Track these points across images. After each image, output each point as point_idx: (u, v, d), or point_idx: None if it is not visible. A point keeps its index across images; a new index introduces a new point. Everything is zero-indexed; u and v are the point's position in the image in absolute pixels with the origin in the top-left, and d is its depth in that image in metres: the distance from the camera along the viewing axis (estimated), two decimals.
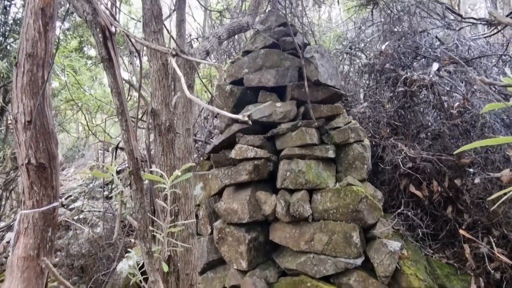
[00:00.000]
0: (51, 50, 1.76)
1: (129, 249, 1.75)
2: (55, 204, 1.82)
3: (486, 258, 3.31)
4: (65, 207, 9.11)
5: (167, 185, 1.49)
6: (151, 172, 1.60)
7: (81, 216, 7.87)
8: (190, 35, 5.72)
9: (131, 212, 1.44)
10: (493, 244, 3.41)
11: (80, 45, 5.95)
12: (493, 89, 3.97)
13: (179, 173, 1.47)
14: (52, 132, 1.85)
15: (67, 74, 4.88)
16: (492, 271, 3.29)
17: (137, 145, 1.38)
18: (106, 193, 9.21)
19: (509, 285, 3.24)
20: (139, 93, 1.88)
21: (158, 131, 2.08)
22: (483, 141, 1.06)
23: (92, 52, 6.88)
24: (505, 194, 1.12)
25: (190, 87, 2.47)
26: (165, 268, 1.52)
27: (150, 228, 1.54)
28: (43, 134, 1.81)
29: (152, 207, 1.68)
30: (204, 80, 6.21)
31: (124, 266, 4.56)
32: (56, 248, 6.64)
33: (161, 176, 1.51)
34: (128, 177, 1.37)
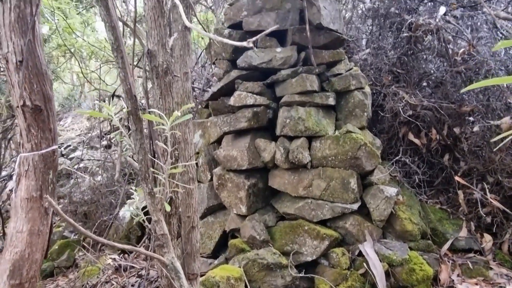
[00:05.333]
0: None
1: (131, 196, 1.76)
2: (54, 147, 1.80)
3: (479, 203, 3.40)
4: (65, 156, 9.17)
5: (167, 126, 1.47)
6: (149, 113, 1.56)
7: (81, 165, 7.95)
8: None
9: (131, 154, 1.42)
10: (487, 190, 3.49)
11: None
12: (506, 26, 3.84)
13: (179, 114, 1.43)
14: (46, 73, 1.78)
15: (57, 19, 4.64)
16: (484, 216, 3.40)
17: (134, 83, 1.33)
18: (104, 142, 9.24)
19: (499, 228, 3.37)
20: (134, 32, 1.78)
21: (155, 73, 2.01)
22: (488, 81, 1.02)
23: None
24: (504, 138, 1.10)
25: (187, 28, 2.36)
26: (167, 208, 1.54)
27: (152, 169, 1.54)
28: (36, 75, 1.74)
29: (152, 150, 1.67)
30: (200, 27, 5.95)
31: (127, 212, 4.69)
32: (59, 196, 6.78)
33: (160, 117, 1.48)
34: (127, 117, 1.34)
